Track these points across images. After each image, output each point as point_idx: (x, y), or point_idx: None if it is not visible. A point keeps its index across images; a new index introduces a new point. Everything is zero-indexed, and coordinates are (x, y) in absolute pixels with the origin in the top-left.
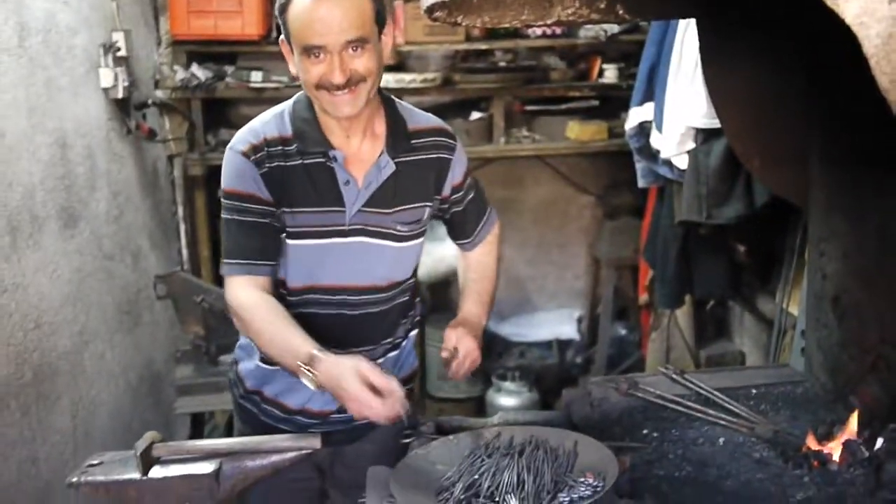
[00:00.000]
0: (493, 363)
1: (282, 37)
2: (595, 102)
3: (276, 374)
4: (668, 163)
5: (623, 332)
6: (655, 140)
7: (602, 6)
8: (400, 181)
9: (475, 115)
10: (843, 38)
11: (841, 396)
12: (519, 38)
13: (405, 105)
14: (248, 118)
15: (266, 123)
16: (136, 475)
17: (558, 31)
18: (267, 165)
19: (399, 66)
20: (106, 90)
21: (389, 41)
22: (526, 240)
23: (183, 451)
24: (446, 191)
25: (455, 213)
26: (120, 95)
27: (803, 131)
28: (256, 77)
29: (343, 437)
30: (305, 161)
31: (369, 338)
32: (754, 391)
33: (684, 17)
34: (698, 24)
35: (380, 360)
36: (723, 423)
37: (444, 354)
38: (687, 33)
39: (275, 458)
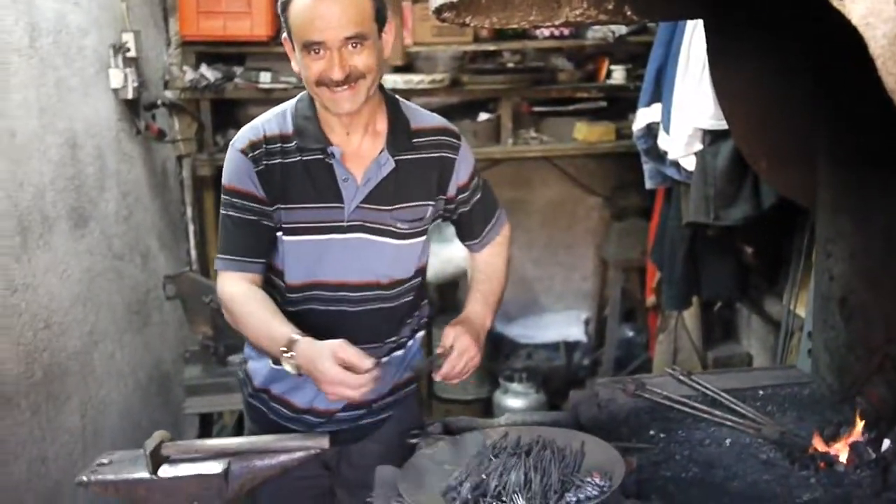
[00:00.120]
0: (501, 365)
1: (284, 34)
2: (603, 103)
3: (282, 371)
4: (675, 164)
5: (630, 333)
6: (663, 141)
7: (610, 7)
8: (400, 179)
9: (483, 116)
10: (849, 39)
11: (848, 397)
12: (527, 39)
13: (410, 105)
14: None
15: (268, 121)
16: (146, 474)
17: (566, 32)
18: (265, 162)
19: (407, 67)
20: (116, 91)
21: (390, 39)
22: (533, 241)
23: (192, 451)
24: (451, 191)
25: (462, 214)
26: (130, 96)
27: (810, 132)
28: (265, 78)
29: (349, 436)
30: (304, 157)
31: (372, 336)
32: (761, 392)
33: (692, 18)
34: (705, 25)
35: (384, 359)
36: (729, 424)
37: (438, 351)
38: (694, 35)
39: (283, 457)
